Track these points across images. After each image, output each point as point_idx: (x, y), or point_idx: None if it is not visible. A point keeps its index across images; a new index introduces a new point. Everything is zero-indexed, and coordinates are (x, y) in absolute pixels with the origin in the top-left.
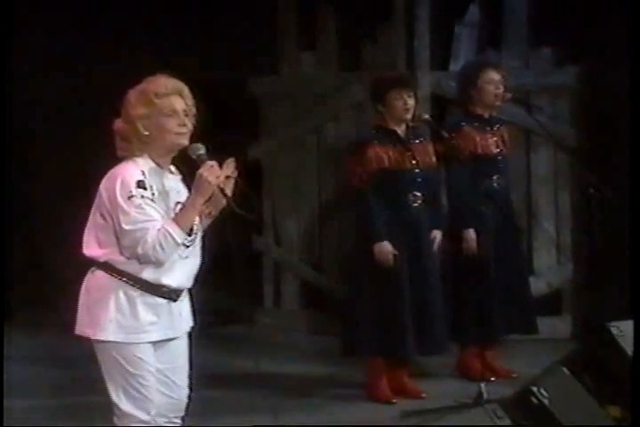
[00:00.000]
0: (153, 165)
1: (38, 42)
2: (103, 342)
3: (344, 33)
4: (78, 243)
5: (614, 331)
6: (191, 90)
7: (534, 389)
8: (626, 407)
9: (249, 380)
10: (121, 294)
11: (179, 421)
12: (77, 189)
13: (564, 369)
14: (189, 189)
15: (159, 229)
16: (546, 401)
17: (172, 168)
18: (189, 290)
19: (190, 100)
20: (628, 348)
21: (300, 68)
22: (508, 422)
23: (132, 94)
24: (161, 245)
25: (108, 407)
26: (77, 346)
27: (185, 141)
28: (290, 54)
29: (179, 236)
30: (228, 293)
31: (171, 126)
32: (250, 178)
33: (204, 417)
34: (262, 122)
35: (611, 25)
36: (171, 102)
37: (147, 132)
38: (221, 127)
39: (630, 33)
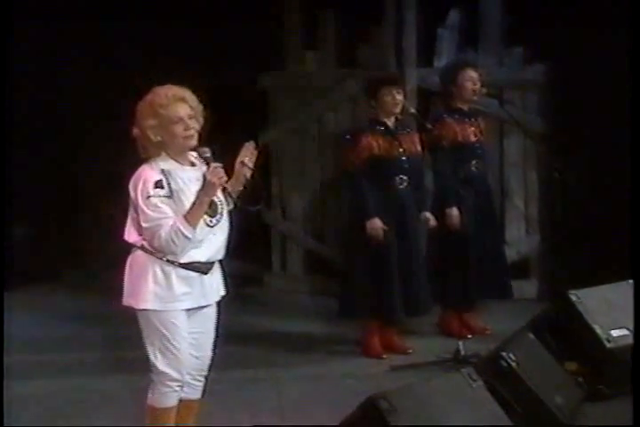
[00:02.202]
0: (172, 161)
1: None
2: (144, 310)
3: (342, 34)
4: (114, 224)
5: (573, 298)
6: (199, 92)
7: (504, 354)
8: (580, 363)
9: (258, 336)
10: (157, 270)
11: (202, 378)
12: (114, 183)
13: (530, 335)
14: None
15: (171, 226)
16: (514, 364)
17: (194, 160)
18: (220, 262)
19: (195, 103)
20: (585, 312)
21: (303, 65)
22: (481, 383)
23: (141, 106)
24: (173, 240)
25: (145, 362)
26: (118, 305)
27: (193, 142)
28: (294, 53)
29: (189, 232)
30: (241, 259)
31: (178, 132)
32: (260, 160)
33: (219, 370)
34: (271, 112)
35: (574, 27)
36: (175, 110)
37: (159, 138)
38: (235, 116)
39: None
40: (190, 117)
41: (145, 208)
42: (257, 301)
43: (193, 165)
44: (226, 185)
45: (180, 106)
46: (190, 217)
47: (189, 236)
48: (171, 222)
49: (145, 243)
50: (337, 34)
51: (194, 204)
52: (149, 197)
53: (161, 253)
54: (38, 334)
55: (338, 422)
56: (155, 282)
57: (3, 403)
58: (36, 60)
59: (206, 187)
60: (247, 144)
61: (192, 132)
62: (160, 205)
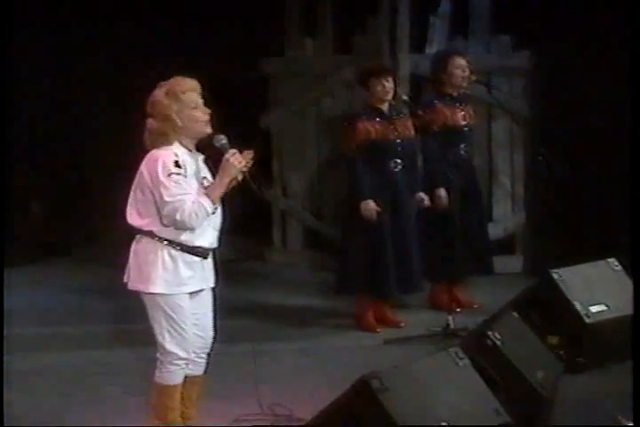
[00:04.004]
0: (183, 149)
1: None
2: (152, 294)
3: (339, 23)
4: (123, 206)
5: (555, 276)
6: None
7: (489, 333)
8: (561, 337)
9: (259, 310)
10: (166, 255)
11: (205, 355)
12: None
13: (514, 313)
14: (208, 167)
15: (194, 202)
16: (498, 343)
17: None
18: (213, 253)
19: (201, 94)
20: (566, 290)
21: (302, 51)
22: (467, 362)
23: (160, 95)
24: (196, 213)
25: (153, 334)
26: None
27: (209, 129)
28: (294, 40)
29: (210, 207)
30: (244, 235)
31: (198, 117)
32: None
33: (220, 344)
34: (271, 96)
35: (559, 15)
36: (193, 97)
37: (181, 123)
38: (238, 100)
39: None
40: (203, 105)
41: (167, 184)
42: (258, 275)
43: (197, 150)
44: (245, 169)
45: (195, 94)
46: (211, 194)
47: (210, 210)
48: (192, 198)
49: (151, 227)
50: (334, 22)
51: (213, 184)
52: (171, 174)
53: (181, 227)
54: (50, 307)
55: (335, 394)
56: (163, 267)
57: (3, 374)
58: (42, 51)
59: (227, 168)
60: (246, 152)
61: (208, 118)
62: (181, 182)
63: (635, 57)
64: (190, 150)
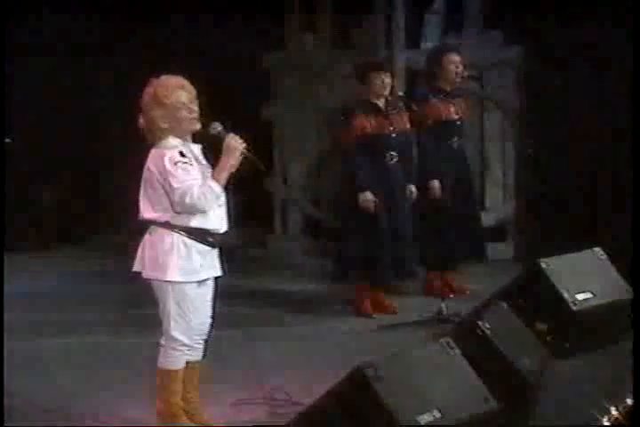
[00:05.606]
0: (180, 141)
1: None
2: (167, 282)
3: (337, 19)
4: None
5: (543, 265)
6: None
7: (479, 322)
8: (549, 324)
9: (260, 296)
10: (181, 245)
11: (203, 341)
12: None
13: (503, 303)
14: (205, 156)
15: (201, 185)
16: (488, 332)
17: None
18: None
19: (191, 88)
20: (554, 278)
21: (302, 46)
22: (458, 351)
23: (146, 98)
24: (204, 195)
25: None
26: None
27: (197, 125)
28: (294, 35)
29: (217, 188)
30: (246, 223)
31: (183, 116)
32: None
33: (221, 329)
34: (272, 89)
35: (549, 11)
36: (177, 97)
37: (166, 125)
38: (240, 93)
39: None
40: (191, 102)
41: (175, 172)
42: (259, 262)
43: (193, 144)
44: (244, 150)
45: (181, 93)
46: (218, 177)
47: (218, 192)
48: (200, 182)
49: (165, 218)
50: (333, 18)
51: (219, 167)
52: (177, 162)
53: (192, 210)
54: (60, 293)
55: (332, 378)
56: (179, 256)
57: (3, 359)
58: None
59: (229, 152)
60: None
61: (195, 115)
62: (188, 168)
63: (628, 51)
64: (186, 141)
